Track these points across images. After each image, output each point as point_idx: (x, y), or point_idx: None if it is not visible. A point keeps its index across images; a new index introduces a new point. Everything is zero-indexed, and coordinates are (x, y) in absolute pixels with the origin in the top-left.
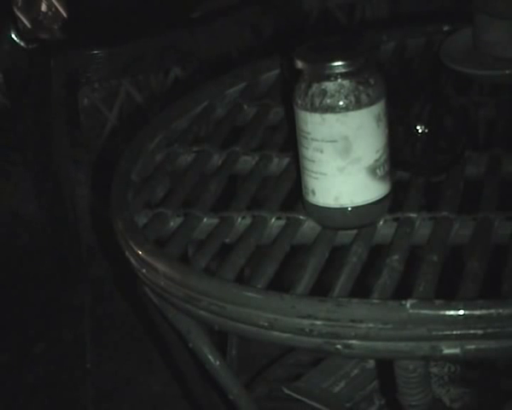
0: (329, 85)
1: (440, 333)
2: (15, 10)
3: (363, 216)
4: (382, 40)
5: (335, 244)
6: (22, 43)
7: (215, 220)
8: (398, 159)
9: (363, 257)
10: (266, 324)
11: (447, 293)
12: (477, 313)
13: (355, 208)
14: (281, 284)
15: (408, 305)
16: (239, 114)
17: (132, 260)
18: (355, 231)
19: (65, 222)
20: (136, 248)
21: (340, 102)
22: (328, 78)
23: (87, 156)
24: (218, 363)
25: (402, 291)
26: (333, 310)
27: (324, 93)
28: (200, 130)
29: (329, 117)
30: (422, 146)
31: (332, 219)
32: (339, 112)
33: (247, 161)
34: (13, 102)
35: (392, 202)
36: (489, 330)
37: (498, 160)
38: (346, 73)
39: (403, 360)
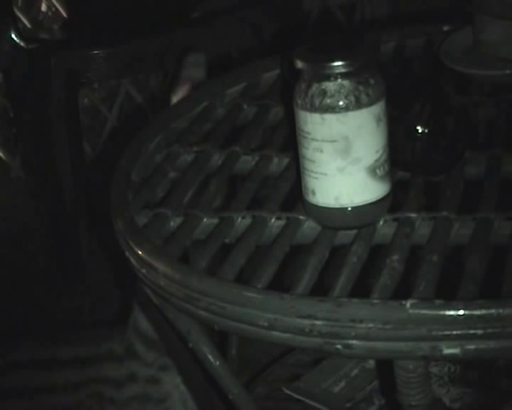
0: (329, 85)
1: (440, 333)
2: (15, 10)
3: (363, 216)
4: (382, 40)
5: (335, 244)
6: (22, 43)
7: (215, 220)
8: (398, 159)
9: (363, 257)
10: (266, 324)
11: (447, 293)
12: (477, 313)
13: (355, 208)
14: (281, 284)
15: (408, 305)
16: (239, 114)
17: (132, 260)
18: (355, 231)
19: (65, 222)
20: (136, 248)
21: (340, 102)
22: (328, 78)
23: (87, 156)
24: (218, 363)
25: (402, 291)
26: (333, 310)
27: (324, 93)
28: (200, 130)
29: (329, 117)
30: (422, 146)
31: (332, 219)
32: (339, 112)
33: (247, 161)
34: (13, 102)
35: (392, 202)
36: (489, 330)
37: (498, 160)
38: (346, 73)
39: (403, 360)
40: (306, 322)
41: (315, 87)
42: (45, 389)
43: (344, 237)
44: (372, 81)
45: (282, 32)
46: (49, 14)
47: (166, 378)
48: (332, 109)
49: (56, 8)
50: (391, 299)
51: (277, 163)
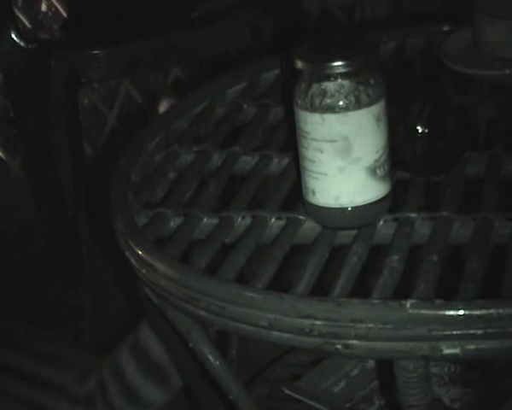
0: (329, 85)
1: (440, 333)
2: (15, 10)
3: (363, 216)
4: (382, 40)
5: (335, 244)
6: (22, 43)
7: (215, 220)
8: (398, 159)
9: (363, 257)
10: (266, 324)
11: (447, 293)
12: (477, 313)
13: (355, 208)
14: (281, 284)
15: (408, 305)
16: (239, 114)
17: (132, 260)
18: (355, 231)
19: (65, 222)
20: (136, 248)
21: (340, 102)
22: (328, 78)
23: (87, 156)
24: (218, 363)
25: (402, 291)
26: (333, 310)
27: (324, 93)
28: (200, 130)
29: (329, 117)
30: (422, 146)
31: (332, 219)
32: (339, 112)
33: (247, 161)
34: (13, 102)
35: (392, 202)
36: (489, 330)
37: (498, 160)
38: (346, 73)
39: (403, 360)
40: (306, 322)
41: (315, 87)
42: None
43: (344, 237)
44: (372, 81)
45: (282, 32)
46: (49, 14)
47: None
48: (332, 109)
49: (56, 8)
50: (391, 299)
51: (277, 163)
